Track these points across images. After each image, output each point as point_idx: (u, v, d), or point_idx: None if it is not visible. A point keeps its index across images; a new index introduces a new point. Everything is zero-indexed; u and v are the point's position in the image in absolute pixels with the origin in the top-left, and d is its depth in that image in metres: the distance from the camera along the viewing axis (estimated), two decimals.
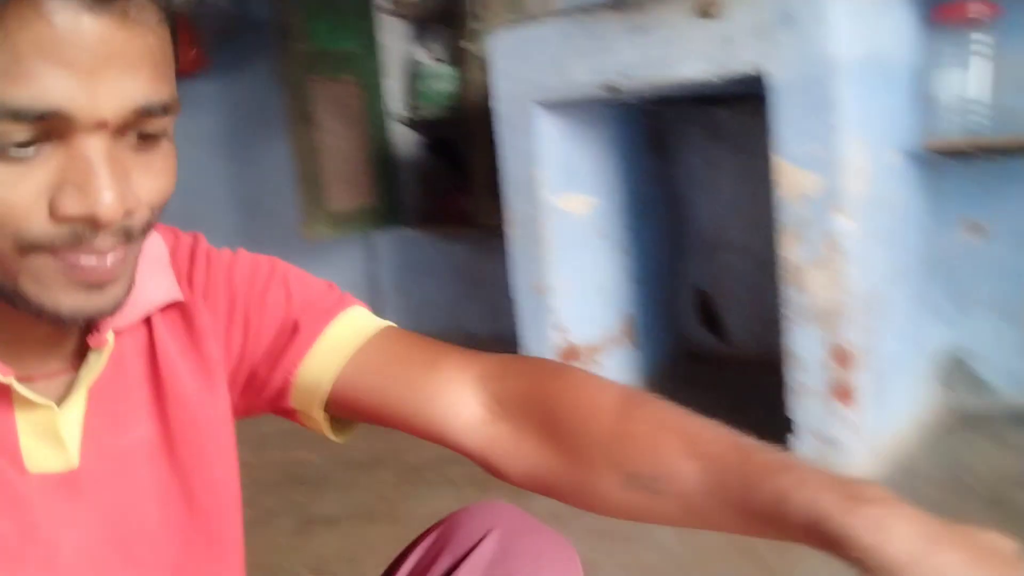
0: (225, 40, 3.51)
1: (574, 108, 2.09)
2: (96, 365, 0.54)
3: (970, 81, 1.83)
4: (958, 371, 2.07)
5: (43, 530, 0.52)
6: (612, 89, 1.85)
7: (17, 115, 0.41)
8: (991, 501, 1.55)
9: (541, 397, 0.59)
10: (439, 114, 2.96)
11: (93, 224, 0.45)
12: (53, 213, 0.44)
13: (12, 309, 0.49)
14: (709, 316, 2.58)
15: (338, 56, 2.94)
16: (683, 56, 1.72)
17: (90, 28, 0.42)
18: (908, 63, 1.85)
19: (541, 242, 2.10)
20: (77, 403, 0.54)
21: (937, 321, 2.05)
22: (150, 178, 0.48)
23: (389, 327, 0.66)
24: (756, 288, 2.41)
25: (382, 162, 3.08)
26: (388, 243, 3.20)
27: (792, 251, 1.69)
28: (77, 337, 0.55)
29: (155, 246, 0.59)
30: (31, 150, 0.43)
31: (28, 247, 0.45)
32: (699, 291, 2.58)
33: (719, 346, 2.58)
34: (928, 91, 1.86)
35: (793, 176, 1.65)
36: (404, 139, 3.15)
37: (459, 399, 0.61)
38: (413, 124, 3.11)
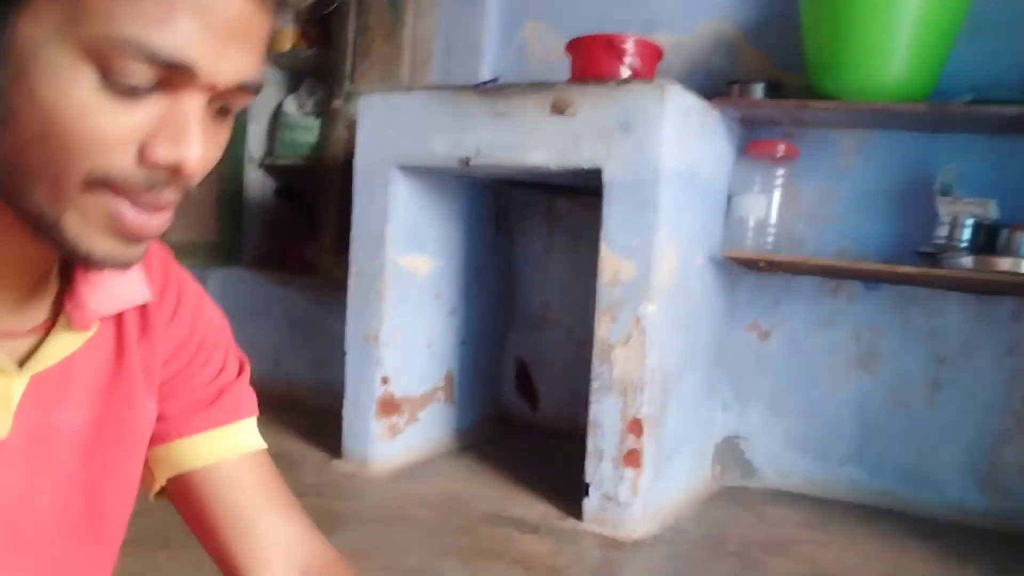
0: None
1: (429, 176, 2.26)
2: (70, 345, 0.54)
3: (766, 206, 2.19)
4: (730, 452, 2.37)
5: None
6: (467, 164, 2.04)
7: (153, 57, 0.42)
8: (744, 563, 1.79)
9: None
10: (296, 163, 3.04)
11: (176, 173, 0.46)
12: (142, 155, 0.45)
13: (7, 261, 0.49)
14: (525, 385, 2.77)
15: None
16: (534, 145, 1.95)
17: (236, 1, 0.45)
18: (721, 182, 2.19)
19: (380, 296, 2.21)
20: (27, 373, 0.53)
21: (720, 408, 2.35)
22: (212, 148, 0.49)
23: (265, 453, 0.69)
24: (571, 365, 2.64)
25: (230, 200, 3.09)
26: (221, 280, 3.17)
27: (605, 329, 1.91)
28: (52, 304, 0.55)
29: None
30: (144, 92, 0.44)
31: (98, 182, 0.44)
32: (520, 361, 2.78)
33: (530, 414, 2.76)
34: (734, 209, 2.20)
35: (614, 263, 1.89)
36: (256, 182, 3.19)
37: (276, 573, 0.65)
38: (268, 169, 3.17)
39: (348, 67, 2.83)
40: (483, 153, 2.01)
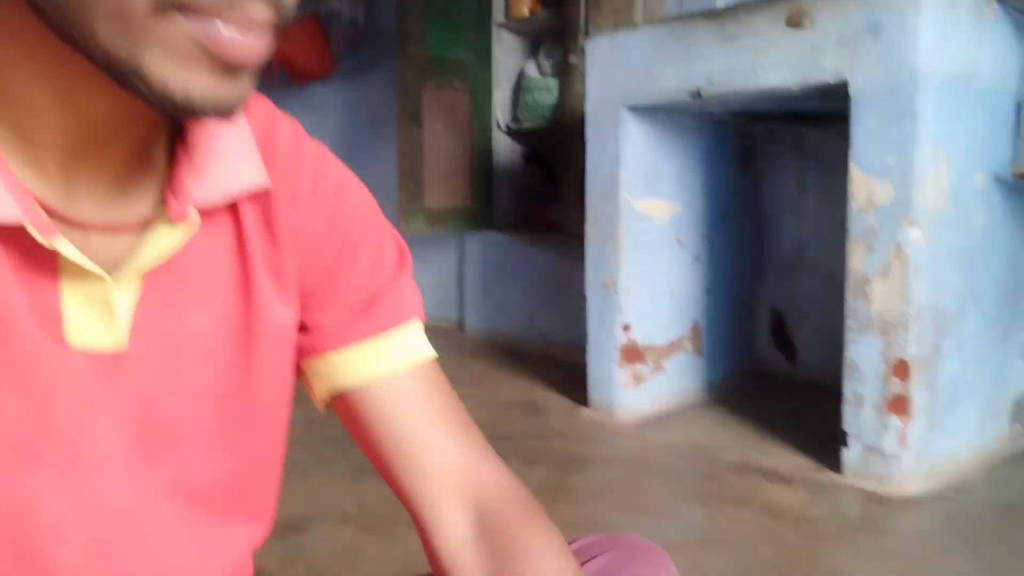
0: (352, 48, 3.78)
1: (661, 114, 2.18)
2: (171, 241, 0.46)
3: None
4: None
5: (70, 417, 0.45)
6: (698, 95, 1.93)
7: None
8: None
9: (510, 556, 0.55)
10: (539, 125, 3.10)
11: None
12: None
13: (95, 123, 0.42)
14: (782, 336, 2.58)
15: (452, 64, 3.14)
16: (769, 64, 1.79)
17: None
18: (1009, 87, 1.85)
19: (616, 242, 2.17)
20: (135, 276, 0.46)
21: (1017, 357, 2.00)
22: None
23: (433, 362, 0.60)
24: (833, 313, 2.40)
25: (481, 167, 3.24)
26: (477, 244, 3.34)
27: (859, 260, 1.71)
28: (156, 190, 0.48)
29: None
30: None
31: (168, 2, 0.36)
32: (776, 311, 2.59)
33: (788, 367, 2.57)
34: None
35: (866, 185, 1.68)
36: (504, 147, 3.31)
37: (447, 508, 0.57)
38: (514, 133, 3.27)
39: (582, 21, 2.82)
40: (714, 82, 1.89)
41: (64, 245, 0.42)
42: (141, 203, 0.47)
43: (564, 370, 2.71)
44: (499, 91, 3.25)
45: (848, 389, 1.75)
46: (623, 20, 2.67)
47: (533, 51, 3.25)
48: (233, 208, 0.51)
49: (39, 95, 0.41)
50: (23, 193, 0.40)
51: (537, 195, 3.34)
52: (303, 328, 0.56)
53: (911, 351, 1.66)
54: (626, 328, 2.22)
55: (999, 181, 1.86)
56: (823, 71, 1.72)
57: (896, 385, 1.68)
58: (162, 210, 0.46)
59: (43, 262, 0.43)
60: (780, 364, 2.59)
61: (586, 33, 2.79)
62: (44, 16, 0.37)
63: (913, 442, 1.68)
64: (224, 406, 0.51)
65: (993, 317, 1.92)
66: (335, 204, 0.55)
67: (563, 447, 2.01)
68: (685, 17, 1.97)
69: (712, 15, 1.89)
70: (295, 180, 0.53)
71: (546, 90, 3.10)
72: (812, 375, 2.50)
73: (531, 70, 3.18)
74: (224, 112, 0.39)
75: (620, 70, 2.10)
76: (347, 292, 0.56)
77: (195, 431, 0.50)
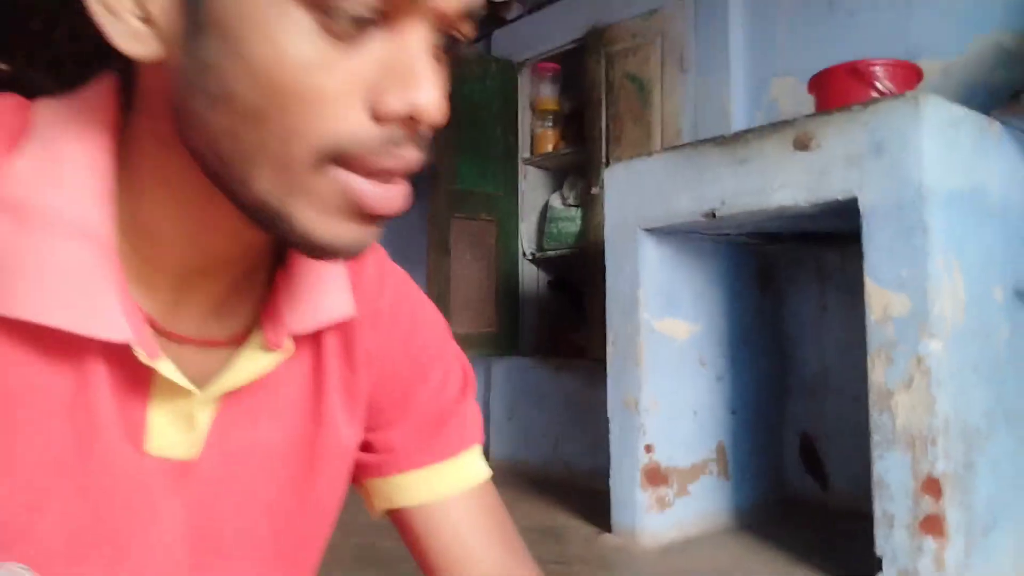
0: None
1: (678, 235, 2.24)
2: (263, 365, 0.48)
3: None
4: None
5: (129, 519, 0.45)
6: (712, 216, 1.99)
7: None
8: None
9: None
10: (563, 253, 3.19)
11: (412, 124, 0.39)
12: (374, 110, 0.38)
13: (213, 254, 0.45)
14: (812, 460, 2.51)
15: (481, 197, 3.28)
16: (779, 185, 1.85)
17: None
18: (1021, 203, 1.88)
19: (638, 361, 2.18)
20: (218, 393, 0.48)
21: None
22: (443, 91, 0.40)
23: (488, 483, 0.63)
24: (863, 436, 2.34)
25: (507, 294, 3.31)
26: (504, 369, 3.35)
27: (880, 373, 1.69)
28: (251, 310, 0.50)
29: None
30: (366, 29, 0.38)
31: (331, 155, 0.38)
32: (804, 435, 2.53)
33: (820, 493, 2.48)
34: None
35: (882, 298, 1.69)
36: (531, 276, 3.39)
37: None
38: (539, 261, 3.36)
39: (603, 155, 2.95)
40: (727, 203, 1.95)
41: (164, 366, 0.44)
42: (236, 321, 0.49)
43: (588, 496, 2.64)
44: (525, 222, 3.37)
45: (878, 508, 1.68)
46: (640, 153, 2.80)
47: (558, 184, 3.39)
48: (316, 332, 0.53)
49: (169, 227, 0.44)
50: (134, 312, 0.43)
51: (562, 321, 3.38)
52: (368, 446, 0.59)
53: (940, 467, 1.61)
54: (648, 448, 2.18)
55: (1020, 295, 1.85)
56: (832, 189, 1.77)
57: (929, 504, 1.62)
58: (258, 332, 0.49)
59: (139, 375, 0.45)
60: (811, 490, 2.50)
61: (607, 165, 2.92)
62: (202, 160, 0.40)
63: (951, 565, 1.59)
64: (280, 520, 0.52)
65: None
66: (411, 329, 0.59)
67: (584, 573, 1.94)
68: (697, 144, 2.06)
69: (723, 141, 1.98)
70: (376, 306, 0.57)
71: (570, 219, 3.21)
72: (845, 501, 2.40)
73: (556, 201, 3.30)
74: (355, 255, 0.42)
75: (636, 195, 2.18)
76: (415, 413, 0.59)
77: (249, 543, 0.51)
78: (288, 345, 0.49)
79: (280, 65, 0.36)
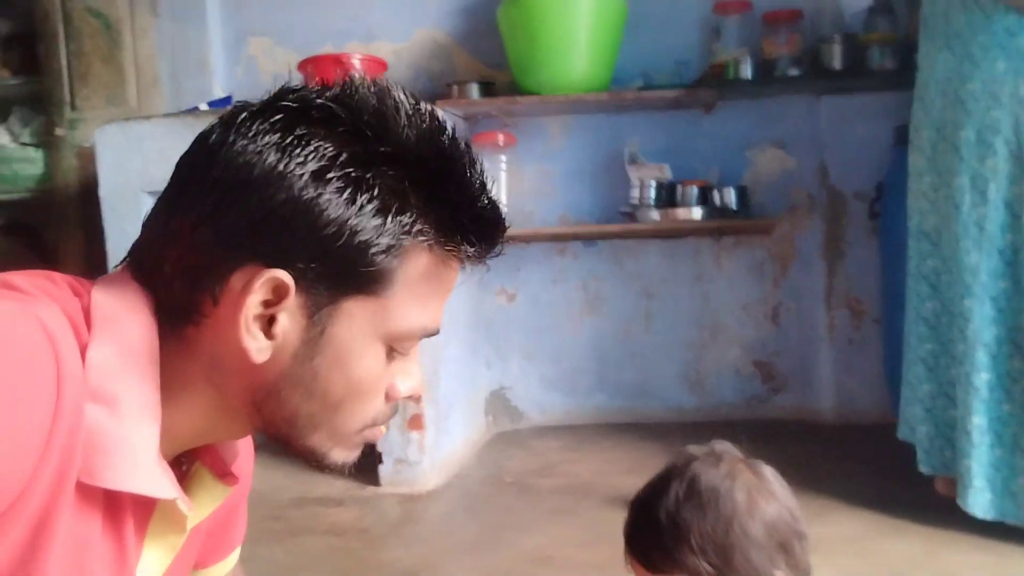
0: None
1: None
2: (219, 497, 0.64)
3: (495, 190, 2.53)
4: (499, 402, 2.73)
5: None
6: None
7: (430, 335, 0.62)
8: (520, 488, 2.14)
9: None
10: (22, 196, 2.91)
11: (410, 400, 0.63)
12: (388, 395, 0.61)
13: (197, 438, 0.61)
14: None
15: None
16: None
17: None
18: None
19: None
20: (198, 521, 0.63)
21: (483, 365, 2.69)
22: None
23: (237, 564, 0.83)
24: None
25: None
26: None
27: None
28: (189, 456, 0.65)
29: None
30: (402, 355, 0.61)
31: (370, 426, 0.61)
32: None
33: None
34: None
35: None
36: None
37: None
38: None
39: (66, 94, 2.76)
40: None
41: (187, 509, 0.58)
42: (183, 462, 0.64)
43: None
44: None
45: None
46: (115, 96, 2.71)
47: (1, 117, 3.01)
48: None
49: (189, 435, 0.60)
50: (171, 474, 0.57)
51: (23, 264, 3.09)
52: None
53: None
54: None
55: None
56: None
57: (412, 407, 2.17)
58: (205, 473, 0.64)
59: (142, 520, 0.58)
60: None
61: (73, 107, 2.75)
62: (269, 420, 0.60)
63: (427, 448, 2.18)
64: None
65: (465, 340, 2.56)
66: (250, 456, 0.77)
67: None
68: (198, 114, 2.18)
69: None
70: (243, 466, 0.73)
71: (26, 160, 2.91)
72: None
73: (3, 138, 2.95)
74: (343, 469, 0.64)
75: (138, 158, 2.20)
76: (224, 532, 0.79)
77: None
78: (236, 479, 0.66)
79: (366, 379, 0.59)
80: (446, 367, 2.35)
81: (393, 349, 0.60)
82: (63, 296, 0.55)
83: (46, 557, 0.49)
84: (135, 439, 0.53)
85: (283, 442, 0.60)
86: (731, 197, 2.43)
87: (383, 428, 0.63)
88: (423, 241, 0.58)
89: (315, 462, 0.61)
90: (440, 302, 0.61)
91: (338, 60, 2.20)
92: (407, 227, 0.57)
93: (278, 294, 0.55)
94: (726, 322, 2.65)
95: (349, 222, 0.55)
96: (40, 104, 2.83)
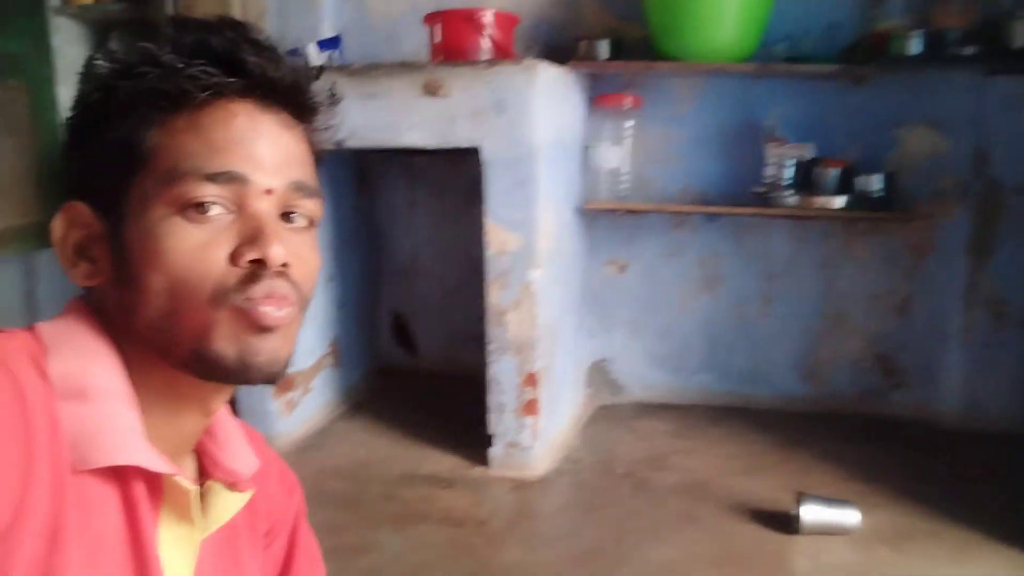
0: None
1: None
2: (235, 505, 0.64)
3: (619, 155, 2.38)
4: (599, 374, 2.65)
5: None
6: (339, 145, 2.04)
7: (209, 175, 0.55)
8: (635, 482, 2.08)
9: None
10: None
11: (264, 267, 0.55)
12: (232, 259, 0.55)
13: (172, 407, 0.58)
14: (402, 334, 2.88)
15: (2, 58, 2.64)
16: (409, 125, 1.99)
17: (263, 125, 0.58)
18: (579, 137, 2.33)
19: None
20: (217, 526, 0.63)
21: (586, 336, 2.60)
22: (303, 252, 0.59)
23: None
24: (445, 310, 2.77)
25: (50, 177, 2.82)
26: (51, 262, 2.93)
27: (496, 296, 2.05)
28: (192, 463, 0.64)
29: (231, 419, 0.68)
30: (214, 211, 0.55)
31: (219, 295, 0.55)
32: (395, 313, 2.87)
33: (410, 360, 2.89)
34: (589, 160, 2.37)
35: (500, 235, 2.01)
36: None
37: None
38: None
39: (172, 12, 2.62)
40: (357, 135, 2.02)
41: (193, 490, 0.58)
42: (185, 472, 0.63)
43: None
44: (64, 86, 2.84)
45: (492, 399, 2.11)
46: None
47: (101, 40, 2.89)
48: None
49: (163, 415, 0.59)
50: (166, 458, 0.57)
51: None
52: None
53: (538, 365, 2.08)
54: None
55: (576, 212, 2.36)
56: (458, 136, 1.98)
57: (528, 393, 2.09)
58: (216, 484, 0.63)
59: (148, 515, 0.56)
60: (403, 359, 2.89)
61: None
62: (150, 343, 0.56)
63: (540, 431, 2.12)
64: None
65: (574, 313, 2.46)
66: (290, 492, 0.76)
67: None
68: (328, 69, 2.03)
69: (352, 71, 2.00)
70: (266, 467, 0.72)
71: None
72: (431, 365, 2.85)
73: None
74: (270, 366, 0.58)
75: None
76: (279, 550, 0.75)
77: None
78: (251, 486, 0.64)
79: (173, 252, 0.55)
80: (561, 346, 2.27)
81: (185, 205, 0.55)
82: (16, 335, 0.57)
83: (66, 565, 0.51)
84: (117, 420, 0.55)
85: (173, 358, 0.57)
86: (875, 184, 2.24)
87: (267, 303, 0.56)
88: (156, 86, 0.56)
89: (212, 366, 0.56)
90: (211, 142, 0.56)
91: (469, 16, 2.02)
92: (138, 76, 0.56)
93: (80, 221, 0.58)
94: (849, 311, 2.50)
95: (101, 120, 0.57)
96: (141, 30, 2.70)
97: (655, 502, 1.98)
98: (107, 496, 0.54)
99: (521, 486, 2.07)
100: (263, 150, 0.58)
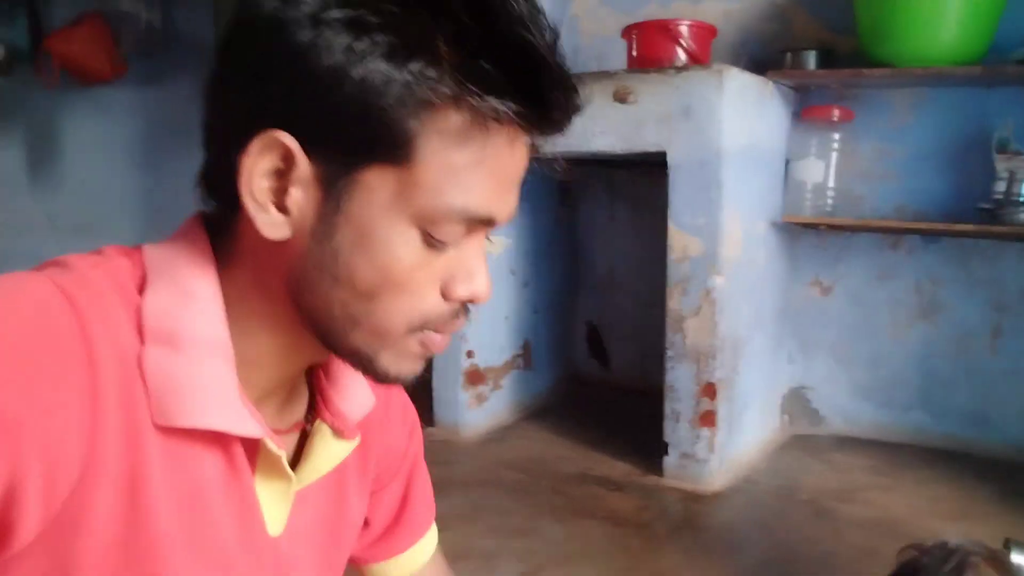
0: (145, 51, 3.57)
1: None
2: (340, 453, 0.61)
3: (824, 169, 2.27)
4: (797, 402, 2.50)
5: None
6: (536, 152, 2.16)
7: (470, 219, 0.51)
8: (816, 510, 1.94)
9: None
10: None
11: (471, 303, 0.54)
12: (444, 293, 0.53)
13: (280, 362, 0.56)
14: (596, 346, 2.93)
15: None
16: (600, 131, 2.06)
17: (525, 157, 0.54)
18: (779, 149, 2.27)
19: None
20: (309, 480, 0.60)
21: (785, 360, 2.48)
22: None
23: (437, 546, 0.79)
24: (639, 325, 2.78)
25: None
26: None
27: (676, 302, 2.04)
28: (301, 405, 0.62)
29: None
30: (450, 246, 0.52)
31: (418, 326, 0.53)
32: (590, 324, 2.93)
33: (601, 373, 2.93)
34: (792, 174, 2.28)
35: (682, 240, 2.01)
36: None
37: None
38: None
39: None
40: (550, 142, 2.12)
41: (283, 455, 0.55)
42: (294, 413, 0.61)
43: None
44: None
45: (668, 407, 2.09)
46: None
47: None
48: None
49: (264, 351, 0.55)
50: (256, 414, 0.54)
51: None
52: (361, 537, 0.72)
53: (717, 375, 2.03)
54: (470, 354, 2.42)
55: (773, 225, 2.28)
56: (645, 141, 2.02)
57: (706, 403, 2.05)
58: (323, 428, 0.61)
59: (245, 467, 0.55)
60: (595, 370, 2.94)
61: None
62: (309, 315, 0.53)
63: (717, 447, 2.06)
64: None
65: (770, 333, 2.36)
66: (412, 429, 0.75)
67: None
68: None
69: None
70: (387, 403, 0.70)
71: None
72: (622, 379, 2.87)
73: None
74: (411, 380, 0.57)
75: None
76: (393, 499, 0.74)
77: None
78: (356, 434, 0.62)
79: (396, 267, 0.51)
80: (747, 361, 2.19)
81: (431, 235, 0.51)
82: (114, 259, 0.53)
83: (154, 512, 0.48)
84: (205, 374, 0.50)
85: (331, 343, 0.54)
86: None
87: (443, 337, 0.55)
88: (447, 94, 0.48)
89: (365, 367, 0.54)
90: (487, 178, 0.51)
91: (664, 27, 2.06)
92: (420, 74, 0.47)
93: (287, 162, 0.49)
94: None
95: (351, 70, 0.46)
96: None
97: (835, 532, 1.84)
98: (198, 449, 0.51)
99: (691, 497, 2.02)
100: (508, 179, 0.53)
